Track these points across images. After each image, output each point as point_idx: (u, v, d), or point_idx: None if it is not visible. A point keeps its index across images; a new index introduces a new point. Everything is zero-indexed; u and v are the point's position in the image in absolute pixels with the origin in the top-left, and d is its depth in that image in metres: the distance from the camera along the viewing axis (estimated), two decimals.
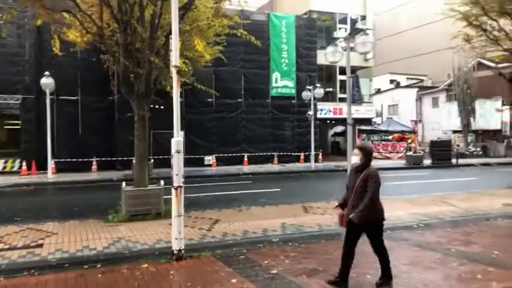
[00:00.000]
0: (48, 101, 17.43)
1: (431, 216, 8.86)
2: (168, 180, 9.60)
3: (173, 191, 5.98)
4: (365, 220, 4.26)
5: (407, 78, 45.97)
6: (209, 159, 22.01)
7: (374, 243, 4.50)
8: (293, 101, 24.73)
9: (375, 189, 4.27)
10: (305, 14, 27.27)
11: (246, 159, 22.63)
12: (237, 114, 23.26)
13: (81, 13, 10.03)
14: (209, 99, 22.08)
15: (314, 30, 26.13)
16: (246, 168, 21.45)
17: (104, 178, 17.14)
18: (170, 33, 9.79)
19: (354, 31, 13.25)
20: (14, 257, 6.13)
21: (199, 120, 21.71)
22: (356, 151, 4.46)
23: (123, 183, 9.28)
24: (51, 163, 17.46)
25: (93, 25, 10.18)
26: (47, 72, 17.54)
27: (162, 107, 16.91)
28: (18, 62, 19.07)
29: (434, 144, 25.20)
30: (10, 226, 8.27)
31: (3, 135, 20.92)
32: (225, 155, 22.44)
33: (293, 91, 24.82)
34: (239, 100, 23.42)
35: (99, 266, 5.79)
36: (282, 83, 24.60)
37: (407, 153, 25.27)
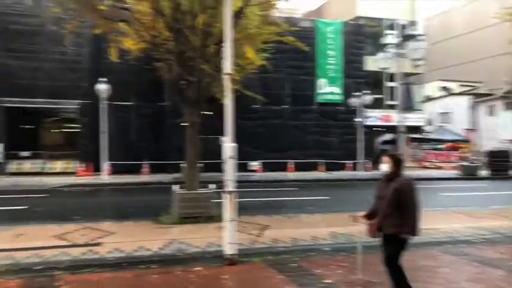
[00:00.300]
0: (103, 106, 18.33)
1: (491, 231, 8.41)
2: (216, 184, 9.82)
3: (226, 195, 6.08)
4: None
5: (460, 85, 44.03)
6: (254, 165, 22.13)
7: (390, 254, 4.24)
8: (339, 108, 24.43)
9: (414, 200, 4.09)
10: (352, 20, 26.92)
11: (291, 165, 22.55)
12: (282, 121, 23.29)
13: (136, 22, 10.43)
14: (254, 106, 22.22)
15: (361, 36, 25.74)
16: (291, 175, 21.38)
17: (155, 181, 17.72)
18: (221, 41, 10.06)
19: (406, 37, 12.93)
20: (76, 254, 6.45)
21: (245, 126, 21.89)
22: (386, 159, 4.30)
23: (175, 186, 9.53)
24: (106, 165, 18.29)
25: (147, 34, 10.55)
26: (102, 79, 18.46)
27: (211, 113, 17.24)
28: (76, 69, 20.14)
29: (491, 155, 23.95)
30: (70, 224, 8.69)
31: (62, 138, 22.14)
32: (270, 161, 22.49)
33: (340, 97, 24.53)
34: (284, 106, 23.45)
35: (154, 266, 5.97)
36: (328, 90, 24.39)
37: (461, 163, 24.16)
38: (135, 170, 19.88)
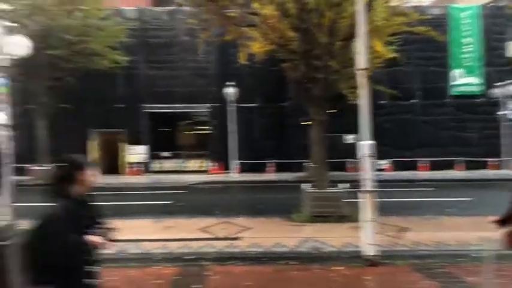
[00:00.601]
0: (231, 109, 19.46)
1: None
2: (343, 183, 9.64)
3: (365, 195, 5.88)
4: None
5: None
6: (382, 163, 21.09)
7: None
8: (479, 100, 21.93)
9: None
10: (491, 1, 24.00)
11: (423, 164, 21.00)
12: (412, 116, 21.80)
13: (263, 25, 10.75)
14: (381, 101, 21.22)
15: (503, 19, 22.76)
16: (424, 174, 19.89)
17: (280, 179, 18.15)
18: (348, 37, 9.83)
19: None
20: (219, 247, 6.89)
21: (372, 123, 21.02)
22: None
23: (304, 185, 9.61)
24: (235, 164, 19.36)
25: (274, 36, 10.80)
26: (230, 83, 19.61)
27: (334, 111, 16.96)
28: (206, 74, 21.68)
29: None
30: (210, 218, 9.31)
31: (195, 139, 24.05)
32: (399, 159, 21.25)
33: (479, 89, 22.02)
34: (414, 101, 21.92)
35: (293, 263, 6.06)
36: (464, 81, 22.09)
37: None
38: (261, 168, 20.60)
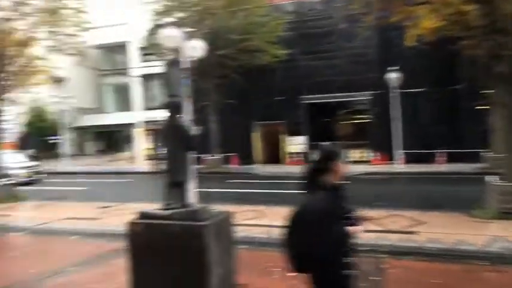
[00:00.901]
0: (394, 95, 18.35)
1: None
2: None
3: None
4: None
5: None
6: None
7: None
8: None
9: None
10: None
11: None
12: None
13: (434, 1, 9.76)
14: None
15: None
16: None
17: (452, 170, 16.45)
18: None
19: None
20: (393, 240, 6.54)
21: None
22: None
23: (490, 177, 8.47)
24: (400, 154, 18.37)
25: (446, 11, 9.71)
26: (392, 68, 18.47)
27: None
28: (365, 61, 20.81)
29: None
30: (378, 210, 8.87)
31: (354, 128, 23.52)
32: None
33: None
34: None
35: (482, 263, 5.38)
36: None
37: None
38: (429, 159, 18.96)
